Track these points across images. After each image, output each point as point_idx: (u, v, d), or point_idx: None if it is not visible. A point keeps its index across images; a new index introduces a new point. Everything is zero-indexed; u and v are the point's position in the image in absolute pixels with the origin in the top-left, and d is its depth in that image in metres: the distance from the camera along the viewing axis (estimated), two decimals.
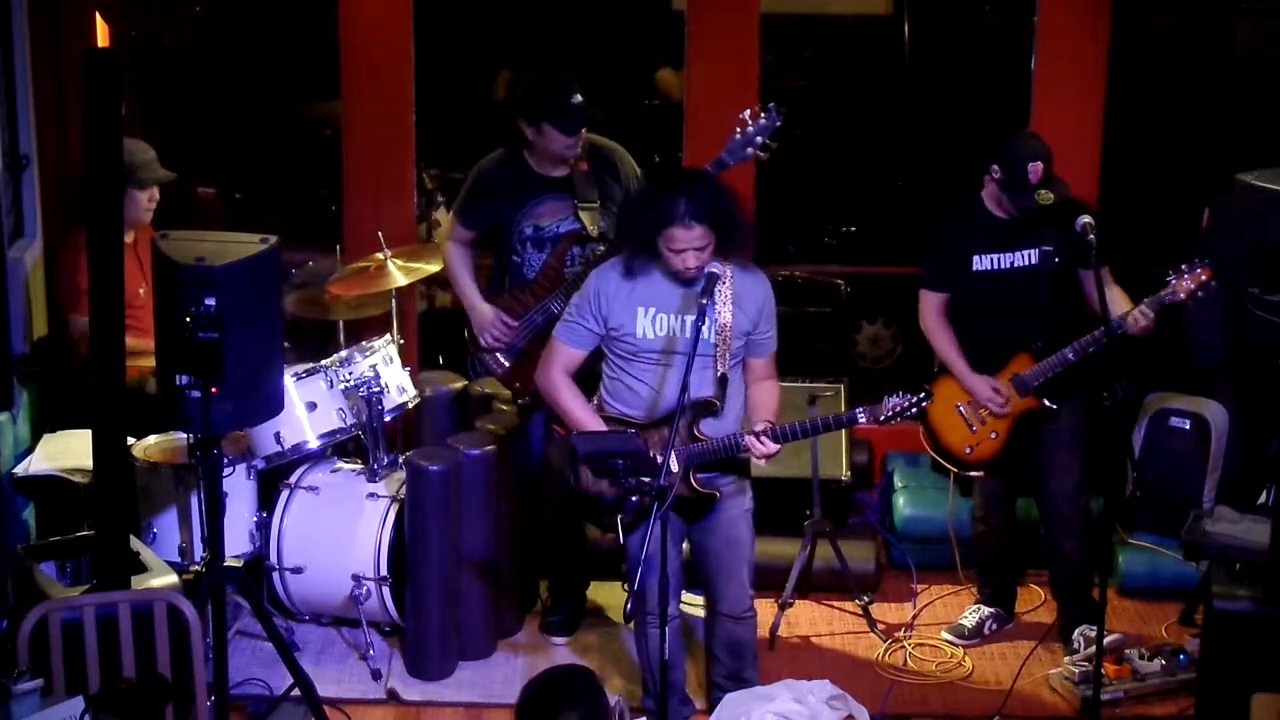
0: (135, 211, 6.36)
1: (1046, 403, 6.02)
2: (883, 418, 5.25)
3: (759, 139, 5.68)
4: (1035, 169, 5.84)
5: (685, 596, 5.83)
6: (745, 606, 5.55)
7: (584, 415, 5.36)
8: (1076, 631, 6.18)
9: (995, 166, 5.94)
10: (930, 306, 6.15)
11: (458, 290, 6.30)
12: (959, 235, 6.07)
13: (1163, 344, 6.86)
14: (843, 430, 6.92)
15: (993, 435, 6.11)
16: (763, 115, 5.67)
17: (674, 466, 5.23)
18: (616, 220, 5.84)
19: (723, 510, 5.41)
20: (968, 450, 6.16)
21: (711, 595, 5.58)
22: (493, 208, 6.16)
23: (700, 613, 5.86)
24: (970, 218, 6.06)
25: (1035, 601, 6.62)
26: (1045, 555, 6.34)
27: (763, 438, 5.26)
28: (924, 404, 5.26)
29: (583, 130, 5.99)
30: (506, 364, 6.22)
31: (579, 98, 5.94)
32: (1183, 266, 5.74)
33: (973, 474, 6.28)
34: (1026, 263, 6.00)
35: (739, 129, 5.69)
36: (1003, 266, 6.01)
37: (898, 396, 5.26)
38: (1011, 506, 6.35)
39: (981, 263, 6.02)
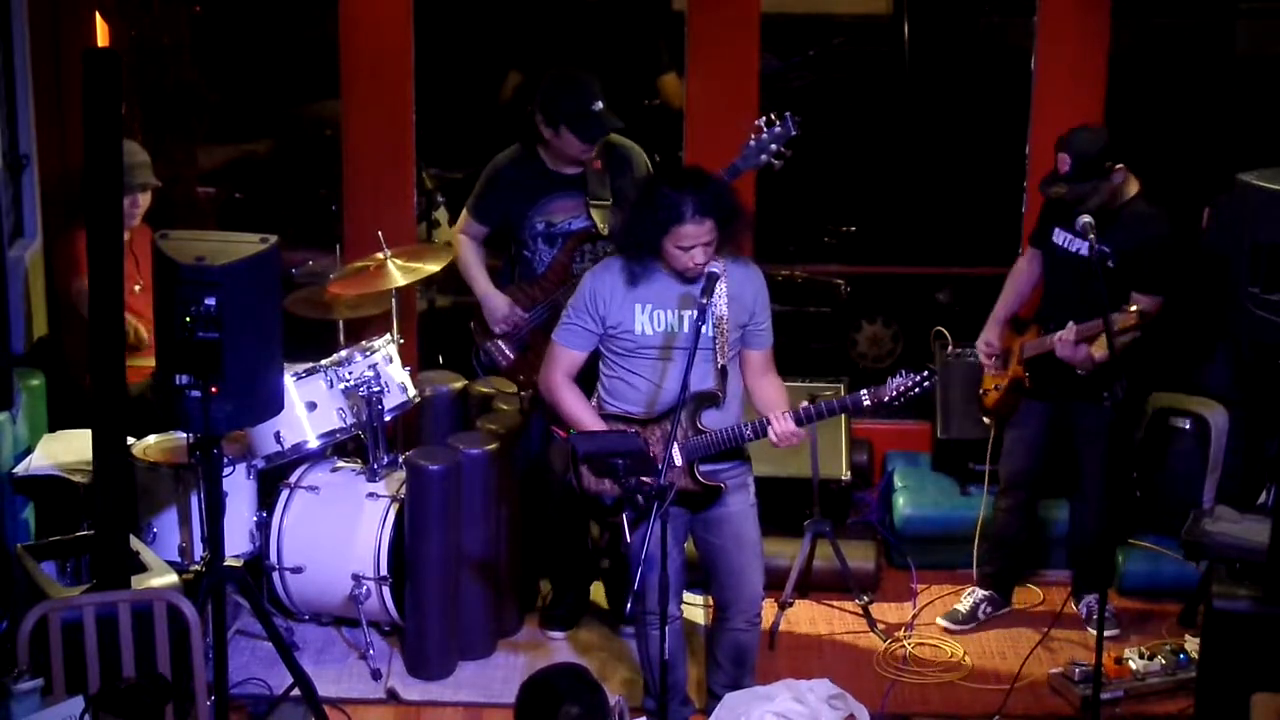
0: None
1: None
2: (887, 398, 5.24)
3: (773, 146, 5.67)
4: (1062, 160, 5.98)
5: (686, 596, 5.83)
6: (756, 610, 5.53)
7: (588, 418, 5.36)
8: (1082, 602, 6.42)
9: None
10: (1021, 258, 6.47)
11: (470, 281, 6.29)
12: (1055, 203, 6.15)
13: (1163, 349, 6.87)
14: (843, 428, 6.93)
15: (995, 388, 6.33)
16: (778, 123, 5.66)
17: (676, 463, 5.24)
18: (619, 223, 5.83)
19: (728, 504, 5.41)
20: (982, 393, 6.42)
21: (721, 598, 5.54)
22: (506, 203, 6.17)
23: (701, 613, 5.85)
24: None
25: (1035, 601, 6.63)
26: (1069, 531, 6.53)
27: (785, 416, 5.26)
28: (926, 384, 5.24)
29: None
30: (512, 356, 6.23)
31: (600, 105, 5.95)
32: (1134, 297, 5.86)
33: (984, 419, 6.49)
34: (1077, 250, 6.08)
35: (754, 136, 5.68)
36: (1064, 244, 6.15)
37: (901, 376, 5.25)
38: (1028, 495, 6.39)
39: (1057, 236, 6.20)
